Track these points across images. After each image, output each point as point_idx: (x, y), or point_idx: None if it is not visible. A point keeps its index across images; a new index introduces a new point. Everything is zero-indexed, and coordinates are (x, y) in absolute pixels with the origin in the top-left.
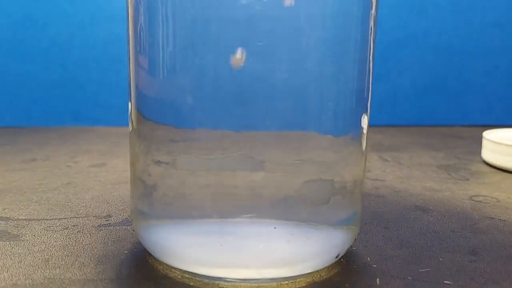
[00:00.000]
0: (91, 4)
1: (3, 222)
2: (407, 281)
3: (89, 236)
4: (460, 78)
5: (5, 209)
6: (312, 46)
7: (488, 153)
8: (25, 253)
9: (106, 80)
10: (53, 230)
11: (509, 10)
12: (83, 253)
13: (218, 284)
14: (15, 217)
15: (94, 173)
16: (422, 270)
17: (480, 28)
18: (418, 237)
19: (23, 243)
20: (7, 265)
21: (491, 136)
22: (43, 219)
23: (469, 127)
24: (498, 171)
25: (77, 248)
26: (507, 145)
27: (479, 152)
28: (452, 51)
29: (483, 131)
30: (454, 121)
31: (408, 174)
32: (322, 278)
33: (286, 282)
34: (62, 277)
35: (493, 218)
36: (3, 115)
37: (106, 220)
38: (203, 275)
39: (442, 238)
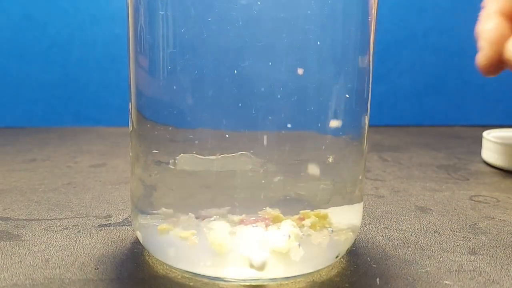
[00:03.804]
0: (91, 4)
1: (3, 222)
2: (407, 281)
3: (89, 236)
4: (460, 78)
5: (5, 209)
6: (312, 46)
7: (488, 153)
8: (25, 253)
9: (106, 80)
10: (53, 230)
11: None
12: (83, 253)
13: (218, 284)
14: (16, 217)
15: (94, 173)
16: (422, 270)
17: None
18: (418, 237)
19: (23, 243)
20: (7, 265)
21: (491, 136)
22: (43, 219)
23: (469, 127)
24: (498, 171)
25: (77, 248)
26: (507, 145)
27: (479, 152)
28: (451, 51)
29: (483, 131)
30: (454, 121)
31: (408, 174)
32: (322, 278)
33: (286, 282)
34: (62, 277)
35: (493, 218)
36: (3, 115)
37: (106, 220)
38: (203, 275)
39: (442, 238)
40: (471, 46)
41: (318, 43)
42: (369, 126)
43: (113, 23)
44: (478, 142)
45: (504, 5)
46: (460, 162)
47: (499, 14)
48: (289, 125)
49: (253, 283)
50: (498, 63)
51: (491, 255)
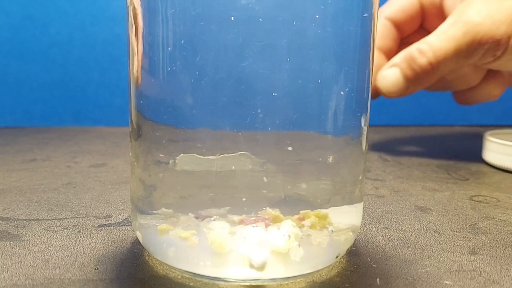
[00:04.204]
0: (91, 4)
1: (3, 222)
2: (407, 281)
3: (89, 236)
4: None
5: (5, 209)
6: (312, 46)
7: (488, 153)
8: (25, 253)
9: (106, 80)
10: (53, 230)
11: None
12: (83, 253)
13: (218, 284)
14: (15, 217)
15: (94, 173)
16: (422, 270)
17: None
18: (418, 237)
19: (23, 243)
20: (7, 265)
21: (491, 136)
22: (43, 219)
23: (469, 127)
24: (498, 171)
25: (77, 248)
26: (507, 145)
27: (479, 152)
28: None
29: (483, 131)
30: (454, 121)
31: (408, 174)
32: (322, 278)
33: (286, 282)
34: (62, 277)
35: (493, 218)
36: (3, 115)
37: (106, 220)
38: (203, 275)
39: (442, 238)
40: None
41: (318, 43)
42: (369, 126)
43: (113, 23)
44: (478, 142)
45: (379, 42)
46: (460, 162)
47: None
48: (289, 148)
49: (253, 283)
50: (374, 90)
51: (491, 255)
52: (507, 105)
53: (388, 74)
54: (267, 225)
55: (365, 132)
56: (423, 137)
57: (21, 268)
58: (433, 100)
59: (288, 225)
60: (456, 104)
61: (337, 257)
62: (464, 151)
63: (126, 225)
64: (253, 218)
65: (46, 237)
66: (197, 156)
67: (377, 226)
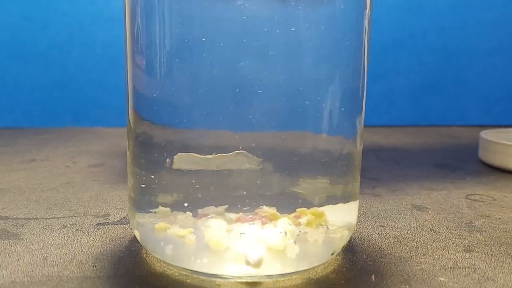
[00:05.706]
0: (91, 6)
1: (2, 221)
2: (402, 278)
3: (87, 234)
4: (458, 78)
5: (4, 208)
6: (307, 46)
7: (485, 153)
8: (24, 251)
9: (105, 81)
10: (51, 229)
11: (506, 10)
12: (81, 251)
13: (215, 281)
14: (14, 216)
15: (93, 173)
16: (417, 267)
17: (477, 28)
18: (414, 235)
19: (22, 241)
20: (6, 263)
21: (487, 135)
22: (42, 218)
23: (466, 127)
24: (494, 170)
25: (75, 246)
26: (503, 144)
27: (476, 152)
28: (449, 52)
29: (479, 131)
30: (451, 121)
31: (404, 173)
32: (317, 275)
33: (282, 279)
34: (60, 275)
35: (488, 216)
36: (3, 116)
37: (104, 219)
38: (200, 272)
39: (437, 236)
40: (469, 46)
41: (313, 43)
42: (367, 126)
43: (112, 24)
44: (475, 141)
45: None
46: (457, 161)
47: None
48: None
49: (250, 280)
50: None
51: (486, 252)
52: (503, 105)
53: None
54: (263, 223)
55: (360, 131)
56: (420, 137)
57: (19, 265)
58: (431, 100)
59: (284, 223)
60: (453, 104)
61: (332, 254)
62: (460, 150)
63: (124, 224)
64: (250, 216)
65: (44, 236)
66: (194, 155)
67: (373, 224)
